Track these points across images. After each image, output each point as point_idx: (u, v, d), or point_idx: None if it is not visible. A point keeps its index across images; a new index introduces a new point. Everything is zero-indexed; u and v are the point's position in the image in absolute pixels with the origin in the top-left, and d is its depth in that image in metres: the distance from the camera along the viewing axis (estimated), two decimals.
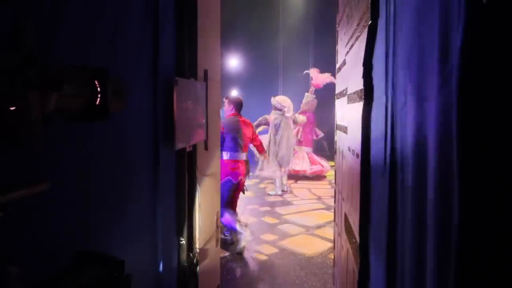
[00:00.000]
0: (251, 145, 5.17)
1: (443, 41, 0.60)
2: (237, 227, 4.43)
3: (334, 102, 3.51)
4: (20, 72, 0.89)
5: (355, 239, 1.78)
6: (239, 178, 4.49)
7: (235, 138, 4.44)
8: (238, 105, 4.62)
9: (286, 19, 11.27)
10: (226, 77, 10.54)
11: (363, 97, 1.57)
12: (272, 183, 7.67)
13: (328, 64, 8.86)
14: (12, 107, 0.90)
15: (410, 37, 0.84)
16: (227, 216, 4.40)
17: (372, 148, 1.51)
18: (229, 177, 4.44)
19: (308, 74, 8.63)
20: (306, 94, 8.46)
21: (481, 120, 0.52)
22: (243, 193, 4.83)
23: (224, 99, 4.73)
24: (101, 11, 1.52)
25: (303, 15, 11.18)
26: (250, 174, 5.10)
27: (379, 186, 1.30)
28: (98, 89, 1.24)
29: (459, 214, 0.55)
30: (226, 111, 4.65)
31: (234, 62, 10.77)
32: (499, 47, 0.49)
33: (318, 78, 8.21)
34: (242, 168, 4.50)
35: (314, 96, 8.53)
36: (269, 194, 7.05)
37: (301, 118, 8.17)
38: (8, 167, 1.08)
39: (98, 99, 1.25)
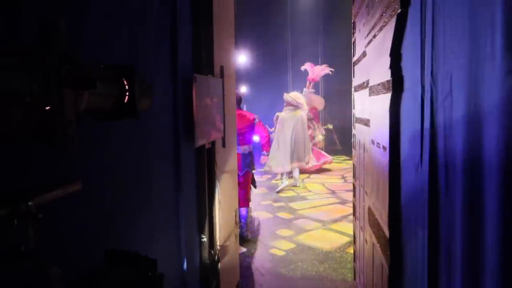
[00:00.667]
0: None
1: (508, 23, 0.57)
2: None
3: (346, 96, 3.47)
4: (55, 70, 0.87)
5: (383, 233, 1.74)
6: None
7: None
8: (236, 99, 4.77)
9: (294, 14, 11.18)
10: (236, 73, 10.51)
11: (390, 88, 1.53)
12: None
13: (338, 57, 8.78)
14: (47, 106, 0.89)
15: (458, 22, 0.80)
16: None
17: (403, 141, 1.47)
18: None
19: (306, 70, 8.54)
20: (304, 89, 8.34)
21: None
22: (254, 187, 4.97)
23: None
24: (122, 11, 1.51)
25: (311, 9, 11.07)
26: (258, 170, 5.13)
27: (412, 181, 1.27)
28: (126, 87, 1.23)
29: None
30: None
31: (242, 58, 10.72)
32: None
33: (315, 71, 8.11)
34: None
35: (313, 90, 8.44)
36: (277, 192, 6.98)
37: (320, 137, 8.30)
38: (42, 167, 1.08)
39: (127, 97, 1.23)
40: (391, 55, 1.51)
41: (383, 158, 1.70)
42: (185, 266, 2.12)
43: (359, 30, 2.60)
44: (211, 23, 2.55)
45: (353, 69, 3.01)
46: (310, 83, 8.24)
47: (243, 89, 11.35)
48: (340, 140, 10.78)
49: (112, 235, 1.43)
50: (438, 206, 0.97)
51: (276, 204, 6.22)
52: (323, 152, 8.80)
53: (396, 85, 1.49)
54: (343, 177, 8.01)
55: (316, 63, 10.66)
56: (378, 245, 1.92)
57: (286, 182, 7.15)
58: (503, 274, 0.62)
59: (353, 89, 3.03)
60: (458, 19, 0.81)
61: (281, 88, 9.63)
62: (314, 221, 5.31)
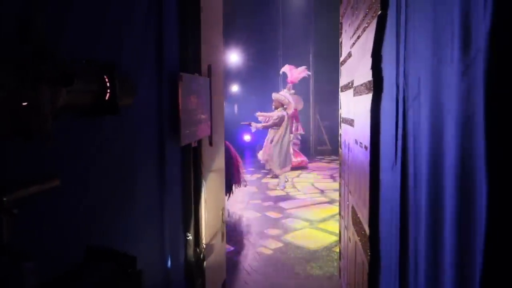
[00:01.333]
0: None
1: (464, 27, 0.59)
2: None
3: (336, 96, 3.50)
4: (31, 66, 0.87)
5: (365, 231, 1.77)
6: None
7: None
8: None
9: (285, 14, 11.21)
10: (227, 73, 10.51)
11: (371, 88, 1.56)
12: (273, 177, 7.75)
13: (329, 58, 8.81)
14: (23, 102, 0.89)
15: (423, 25, 0.83)
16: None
17: (382, 140, 1.50)
18: None
19: (284, 73, 8.55)
20: (284, 90, 8.33)
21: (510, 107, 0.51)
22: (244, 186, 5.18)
23: None
24: (106, 6, 1.51)
25: (302, 9, 11.11)
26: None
27: (389, 179, 1.30)
28: (108, 84, 1.23)
29: (486, 212, 0.54)
30: None
31: (234, 57, 10.72)
32: None
33: (293, 74, 8.10)
34: None
35: (293, 91, 8.47)
36: (278, 189, 7.09)
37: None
38: (19, 163, 1.07)
39: (108, 94, 1.24)
40: (372, 56, 1.54)
41: (365, 157, 1.73)
42: (169, 263, 2.13)
43: (345, 30, 2.63)
44: (199, 22, 2.56)
45: (340, 69, 3.04)
46: (289, 85, 8.22)
47: (234, 88, 11.36)
48: (330, 140, 10.85)
49: (94, 232, 1.43)
50: (407, 205, 1.00)
51: (265, 204, 6.24)
52: (301, 153, 9.10)
53: (377, 85, 1.51)
54: (332, 177, 8.07)
55: (307, 62, 10.71)
56: (360, 243, 1.95)
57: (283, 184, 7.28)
58: (457, 271, 0.64)
59: (339, 89, 3.06)
60: (424, 22, 0.83)
61: (272, 88, 9.65)
62: (302, 220, 5.34)
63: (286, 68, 8.41)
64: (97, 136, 1.43)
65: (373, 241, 1.60)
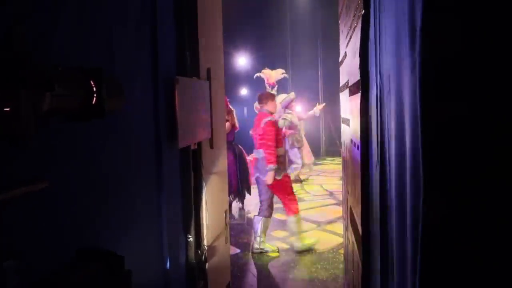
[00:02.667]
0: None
1: (412, 23, 0.60)
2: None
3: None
4: (12, 72, 0.91)
5: (359, 231, 1.77)
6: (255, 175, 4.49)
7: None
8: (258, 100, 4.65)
9: (293, 18, 11.23)
10: (235, 76, 10.57)
11: (360, 88, 1.56)
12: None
13: (337, 59, 8.77)
14: (5, 107, 0.92)
15: (390, 22, 0.83)
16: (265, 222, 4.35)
17: (371, 139, 1.50)
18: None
19: (262, 76, 8.02)
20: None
21: (441, 104, 0.51)
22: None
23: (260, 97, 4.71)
24: (97, 11, 1.55)
25: (310, 14, 11.11)
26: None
27: (374, 179, 1.30)
28: (94, 88, 1.26)
29: (422, 206, 0.54)
30: (271, 108, 4.58)
31: (242, 61, 10.77)
32: (462, 25, 0.49)
33: (271, 76, 7.66)
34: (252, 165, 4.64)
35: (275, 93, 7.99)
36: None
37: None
38: (9, 167, 1.11)
39: (94, 98, 1.27)
40: (360, 55, 1.54)
41: (358, 156, 1.73)
42: (168, 265, 2.15)
43: (342, 31, 2.63)
44: (196, 25, 2.59)
45: (340, 69, 3.04)
46: (270, 87, 7.64)
47: (243, 92, 11.40)
48: (340, 141, 10.77)
49: (87, 234, 1.47)
50: (386, 203, 1.00)
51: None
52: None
53: (364, 84, 1.52)
54: (342, 179, 8.02)
55: (315, 65, 10.68)
56: (356, 243, 1.94)
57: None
58: (420, 266, 0.64)
59: (339, 89, 3.06)
60: (390, 20, 0.84)
61: (280, 91, 9.64)
62: (310, 222, 5.32)
63: (264, 72, 7.81)
64: (90, 140, 1.47)
65: (365, 240, 1.60)
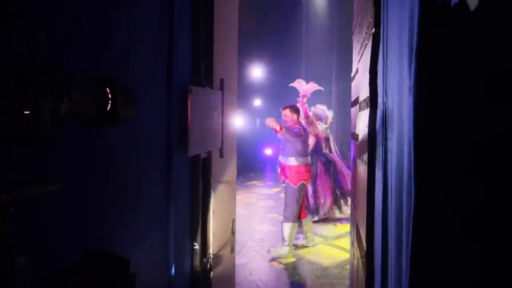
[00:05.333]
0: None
1: (411, 46, 0.62)
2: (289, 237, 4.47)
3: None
4: (33, 79, 0.96)
5: (364, 247, 1.76)
6: (308, 181, 4.74)
7: (305, 144, 4.64)
8: (299, 115, 4.84)
9: (309, 31, 11.32)
10: (249, 87, 10.67)
11: (369, 104, 1.58)
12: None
13: (350, 77, 8.77)
14: (25, 110, 0.98)
15: (395, 43, 0.86)
16: (290, 227, 4.48)
17: (377, 156, 1.51)
18: (303, 181, 4.61)
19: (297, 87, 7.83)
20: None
21: (434, 124, 0.53)
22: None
23: (283, 110, 4.79)
24: (116, 21, 1.61)
25: (325, 25, 11.19)
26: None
27: (378, 194, 1.31)
28: (109, 96, 1.32)
29: (413, 219, 0.56)
30: (289, 120, 4.69)
31: (257, 72, 10.88)
32: (453, 50, 0.51)
33: (302, 88, 7.38)
34: (309, 172, 4.75)
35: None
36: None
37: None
38: (25, 167, 1.16)
39: (109, 105, 1.32)
40: (370, 72, 1.56)
41: (364, 172, 1.73)
42: (173, 271, 2.17)
43: (355, 47, 2.66)
44: (212, 37, 2.65)
45: (351, 85, 3.06)
46: (302, 98, 7.43)
47: (257, 102, 11.48)
48: None
49: (96, 236, 1.50)
50: (387, 220, 1.01)
51: (281, 218, 6.20)
52: None
53: (373, 101, 1.54)
54: (350, 193, 7.94)
55: (329, 77, 10.70)
56: (361, 259, 1.94)
57: None
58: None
59: (351, 105, 3.07)
60: (395, 40, 0.86)
61: (295, 102, 9.67)
62: (318, 236, 5.28)
63: (297, 83, 7.71)
64: (103, 146, 1.52)
65: (369, 256, 1.60)
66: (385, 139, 1.04)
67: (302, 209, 4.76)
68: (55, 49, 1.26)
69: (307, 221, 4.88)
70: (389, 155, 0.98)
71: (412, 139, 0.56)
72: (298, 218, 4.68)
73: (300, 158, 4.62)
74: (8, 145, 1.04)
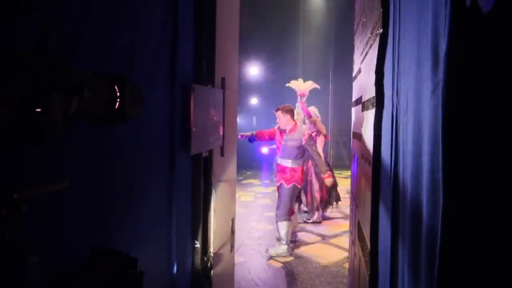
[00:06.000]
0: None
1: (435, 48, 0.63)
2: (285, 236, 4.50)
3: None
4: (45, 76, 0.96)
5: (367, 246, 1.78)
6: (302, 183, 4.79)
7: (301, 146, 4.62)
8: (293, 114, 4.81)
9: (306, 30, 11.34)
10: (246, 85, 10.67)
11: (374, 104, 1.59)
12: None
13: (349, 73, 8.82)
14: (37, 108, 0.97)
15: (410, 44, 0.86)
16: (285, 226, 4.52)
17: (383, 156, 1.52)
18: (295, 182, 4.64)
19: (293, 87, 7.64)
20: (296, 104, 7.35)
21: (464, 125, 0.54)
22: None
23: (276, 112, 4.81)
24: (122, 19, 1.60)
25: (324, 26, 11.21)
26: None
27: (386, 193, 1.31)
28: (118, 94, 1.31)
29: (442, 220, 0.56)
30: (283, 122, 4.71)
31: (254, 70, 10.87)
32: (483, 52, 0.51)
33: (300, 88, 7.22)
34: (303, 174, 4.79)
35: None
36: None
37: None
38: (32, 165, 1.16)
39: (117, 103, 1.32)
40: (376, 72, 1.57)
41: (368, 172, 1.74)
42: (175, 269, 2.17)
43: (357, 47, 2.67)
44: (214, 36, 2.65)
45: (353, 84, 3.07)
46: (301, 98, 7.27)
47: (254, 101, 11.48)
48: (348, 155, 10.76)
49: (101, 234, 1.50)
50: (398, 220, 1.02)
51: None
52: None
53: (379, 101, 1.54)
54: (349, 192, 7.98)
55: (326, 77, 10.72)
56: (364, 259, 1.95)
57: None
58: (430, 276, 0.66)
59: (351, 104, 3.08)
60: (411, 42, 0.87)
61: (290, 102, 9.69)
62: (315, 235, 5.30)
63: (293, 83, 7.56)
64: (108, 144, 1.51)
65: (373, 256, 1.61)
66: (396, 139, 1.05)
67: (292, 208, 4.88)
68: (60, 46, 1.26)
69: (294, 219, 5.01)
70: (400, 155, 0.99)
71: (440, 140, 0.56)
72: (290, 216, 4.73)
73: (297, 161, 4.67)
74: (19, 144, 1.03)
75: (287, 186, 4.63)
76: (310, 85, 6.45)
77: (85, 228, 1.39)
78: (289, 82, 6.63)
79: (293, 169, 4.64)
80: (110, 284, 1.22)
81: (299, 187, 4.76)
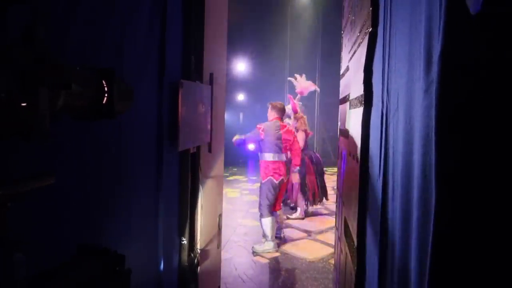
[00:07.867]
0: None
1: (428, 48, 0.64)
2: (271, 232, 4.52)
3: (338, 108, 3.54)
4: (32, 70, 0.93)
5: (354, 242, 1.80)
6: (280, 178, 4.71)
7: (274, 141, 4.69)
8: (280, 111, 4.92)
9: (294, 25, 11.35)
10: (233, 81, 10.63)
11: (363, 102, 1.60)
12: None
13: (335, 70, 8.88)
14: (23, 103, 0.95)
15: (402, 44, 0.87)
16: (268, 222, 4.57)
17: (371, 153, 1.54)
18: (270, 177, 4.64)
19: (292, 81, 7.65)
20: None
21: (457, 124, 0.55)
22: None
23: (268, 105, 5.03)
24: (109, 13, 1.57)
25: (311, 22, 11.25)
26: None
27: (374, 191, 1.33)
28: (105, 89, 1.29)
29: (434, 218, 0.57)
30: (269, 116, 4.93)
31: (241, 66, 10.85)
32: (478, 54, 0.52)
33: (301, 84, 7.17)
34: (282, 168, 4.74)
35: (301, 103, 7.68)
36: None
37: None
38: (16, 161, 1.13)
39: (105, 98, 1.29)
40: (364, 70, 1.58)
41: (355, 169, 1.76)
42: (161, 266, 2.16)
43: (345, 44, 2.69)
44: (202, 31, 2.63)
45: (340, 82, 3.09)
46: (298, 96, 7.23)
47: (240, 97, 11.45)
48: (334, 152, 10.87)
49: (86, 231, 1.48)
50: (387, 217, 1.03)
51: None
52: None
53: (367, 99, 1.56)
54: (334, 189, 8.06)
55: (313, 74, 10.78)
56: (350, 255, 1.97)
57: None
58: (419, 273, 0.67)
59: (339, 102, 3.11)
60: (402, 41, 0.88)
61: (278, 98, 9.71)
62: (301, 231, 5.35)
63: (296, 78, 7.51)
64: (94, 139, 1.49)
65: (360, 252, 1.63)
66: (385, 137, 1.06)
67: (278, 202, 4.87)
68: (48, 40, 1.23)
69: (280, 215, 5.04)
70: (390, 153, 1.00)
71: (434, 139, 0.57)
72: (273, 211, 4.75)
73: (262, 154, 4.74)
74: (5, 139, 1.01)
75: (262, 181, 4.71)
76: (310, 84, 6.52)
77: (71, 225, 1.37)
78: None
79: (264, 162, 4.70)
80: (98, 282, 1.21)
81: (276, 182, 4.67)
